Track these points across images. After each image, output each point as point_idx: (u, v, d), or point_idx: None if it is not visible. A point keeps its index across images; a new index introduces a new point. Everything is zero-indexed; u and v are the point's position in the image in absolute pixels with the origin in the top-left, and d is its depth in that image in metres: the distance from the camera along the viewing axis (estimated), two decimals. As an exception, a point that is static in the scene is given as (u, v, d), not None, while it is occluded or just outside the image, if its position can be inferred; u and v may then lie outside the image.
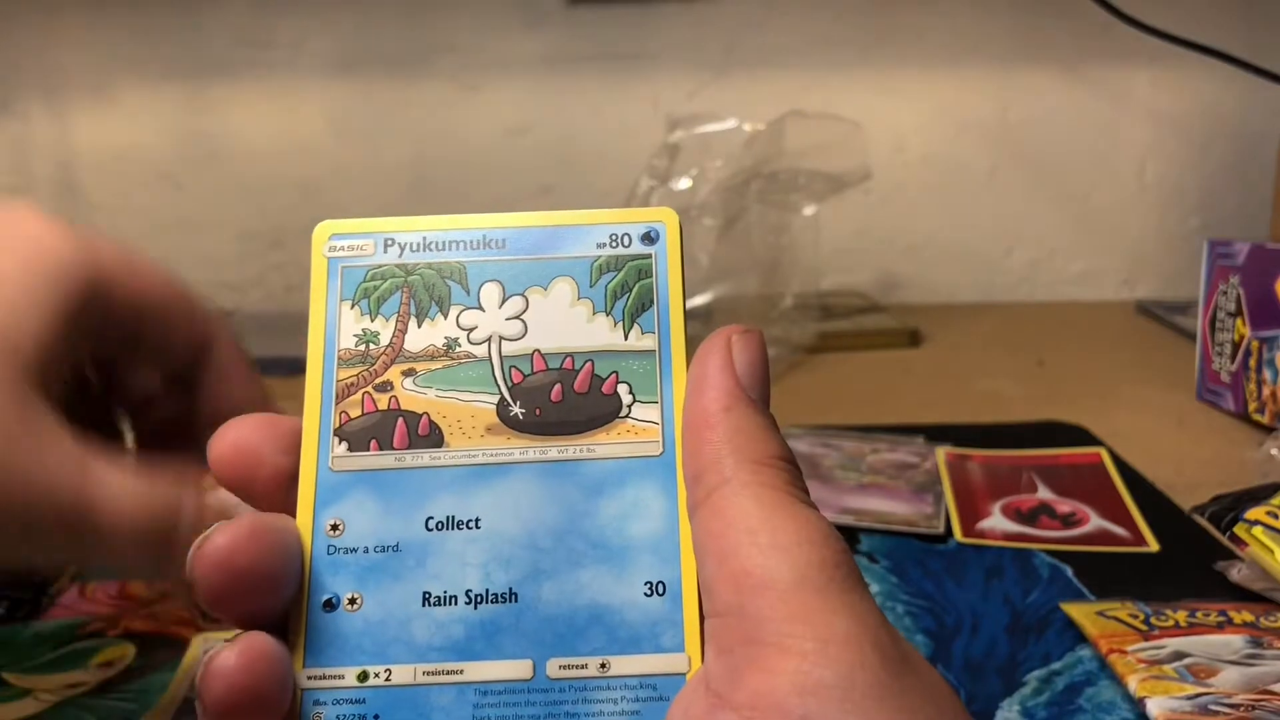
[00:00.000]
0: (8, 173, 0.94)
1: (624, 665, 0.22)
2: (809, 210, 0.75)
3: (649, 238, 0.25)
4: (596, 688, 0.22)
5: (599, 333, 0.24)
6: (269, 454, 0.23)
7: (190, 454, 0.33)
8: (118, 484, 0.28)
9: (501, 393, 0.24)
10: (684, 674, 0.22)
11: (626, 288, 0.24)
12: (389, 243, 0.25)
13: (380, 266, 0.25)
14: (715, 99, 0.90)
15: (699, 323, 0.70)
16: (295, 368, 0.24)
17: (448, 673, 0.22)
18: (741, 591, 0.20)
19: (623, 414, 0.24)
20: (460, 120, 0.93)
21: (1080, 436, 0.60)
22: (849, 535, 0.48)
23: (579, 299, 0.24)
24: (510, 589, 0.22)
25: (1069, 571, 0.45)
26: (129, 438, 0.35)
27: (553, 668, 0.22)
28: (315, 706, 0.22)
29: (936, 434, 0.60)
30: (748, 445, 0.22)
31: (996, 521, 0.50)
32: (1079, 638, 0.39)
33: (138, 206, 0.95)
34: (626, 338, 0.24)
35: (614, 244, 0.25)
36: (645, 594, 0.22)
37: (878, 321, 0.83)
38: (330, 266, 0.25)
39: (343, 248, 0.25)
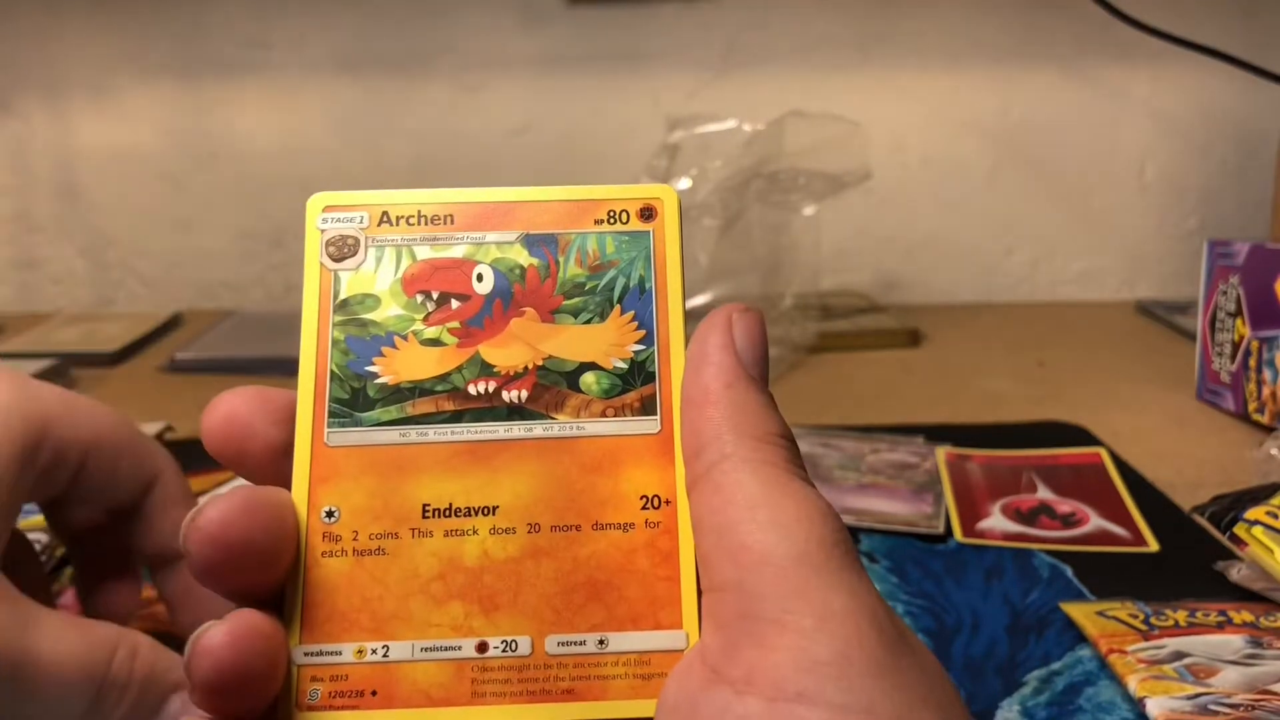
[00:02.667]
0: (8, 172, 0.94)
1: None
2: (809, 210, 0.75)
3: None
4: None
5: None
6: (261, 426, 0.23)
7: (128, 583, 0.34)
8: (59, 638, 0.27)
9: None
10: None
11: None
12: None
13: None
14: (715, 99, 0.90)
15: (698, 322, 0.70)
16: (294, 369, 0.24)
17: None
18: (740, 567, 0.20)
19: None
20: (460, 120, 0.93)
21: (1080, 436, 0.60)
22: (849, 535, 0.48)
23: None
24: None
25: (1069, 571, 0.45)
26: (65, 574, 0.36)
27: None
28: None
29: (936, 434, 0.60)
30: (748, 422, 0.22)
31: (996, 521, 0.50)
32: (1079, 638, 0.39)
33: (138, 206, 0.95)
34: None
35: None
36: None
37: (878, 321, 0.83)
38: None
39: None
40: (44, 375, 0.68)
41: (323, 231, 0.25)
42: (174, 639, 0.40)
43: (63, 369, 0.70)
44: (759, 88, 0.91)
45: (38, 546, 0.43)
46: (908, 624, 0.40)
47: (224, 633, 0.20)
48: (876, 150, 0.80)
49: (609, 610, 0.22)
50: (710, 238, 0.73)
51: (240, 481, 0.23)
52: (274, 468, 0.23)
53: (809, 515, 0.20)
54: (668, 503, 0.23)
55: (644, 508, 0.23)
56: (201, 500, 0.21)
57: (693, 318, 0.24)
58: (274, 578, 0.22)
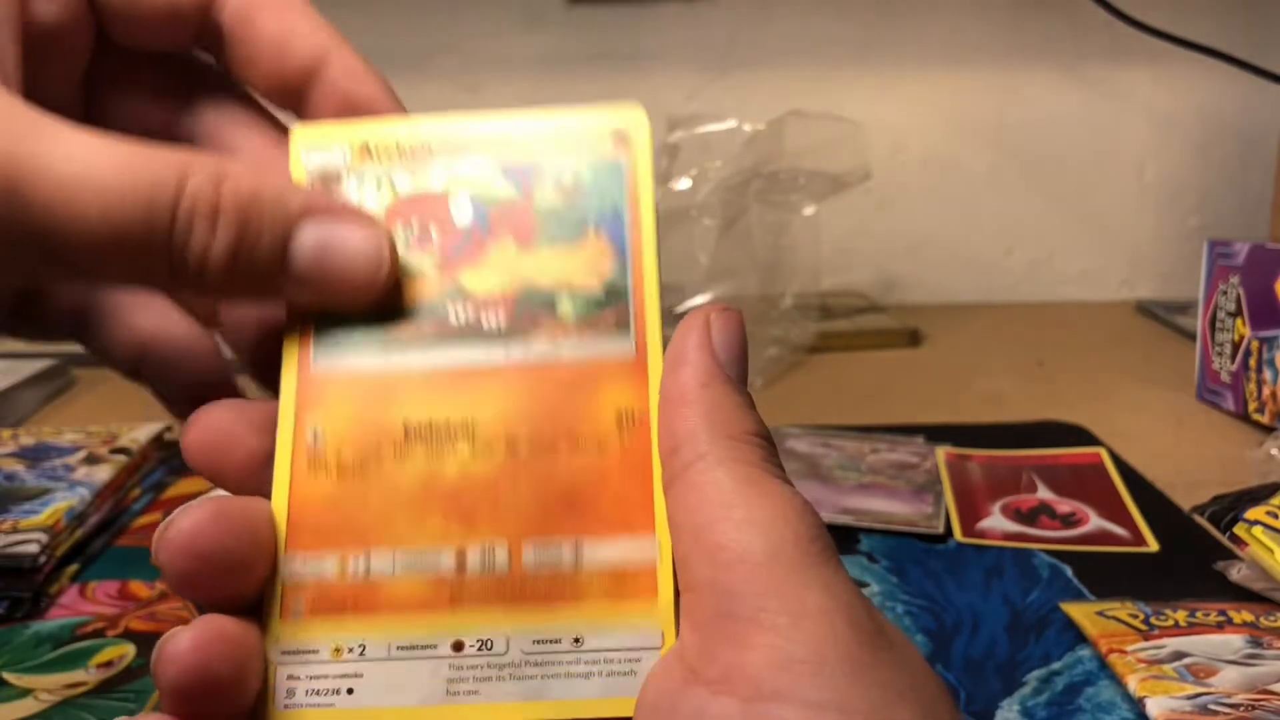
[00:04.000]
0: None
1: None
2: (809, 210, 0.75)
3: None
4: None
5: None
6: (242, 436, 0.23)
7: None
8: (88, 153, 0.20)
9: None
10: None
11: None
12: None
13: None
14: (715, 99, 0.90)
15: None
16: None
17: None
18: (716, 566, 0.20)
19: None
20: (460, 120, 0.93)
21: (1080, 436, 0.60)
22: (849, 535, 0.48)
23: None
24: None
25: (1069, 571, 0.45)
26: None
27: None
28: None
29: (936, 434, 0.60)
30: (724, 421, 0.22)
31: (996, 521, 0.50)
32: (1079, 638, 0.39)
33: (138, 206, 0.95)
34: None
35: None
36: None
37: (878, 321, 0.83)
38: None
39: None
40: (44, 375, 0.68)
41: (307, 166, 0.25)
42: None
43: (63, 369, 0.70)
44: (759, 88, 0.91)
45: (36, 547, 0.43)
46: (907, 624, 0.41)
47: (189, 639, 0.20)
48: (876, 150, 0.80)
49: (582, 519, 0.22)
50: (710, 238, 0.73)
51: (219, 490, 0.23)
52: (255, 479, 0.23)
53: (784, 513, 0.20)
54: (642, 418, 0.23)
55: (619, 424, 0.23)
56: (175, 512, 0.21)
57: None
58: (250, 587, 0.22)
